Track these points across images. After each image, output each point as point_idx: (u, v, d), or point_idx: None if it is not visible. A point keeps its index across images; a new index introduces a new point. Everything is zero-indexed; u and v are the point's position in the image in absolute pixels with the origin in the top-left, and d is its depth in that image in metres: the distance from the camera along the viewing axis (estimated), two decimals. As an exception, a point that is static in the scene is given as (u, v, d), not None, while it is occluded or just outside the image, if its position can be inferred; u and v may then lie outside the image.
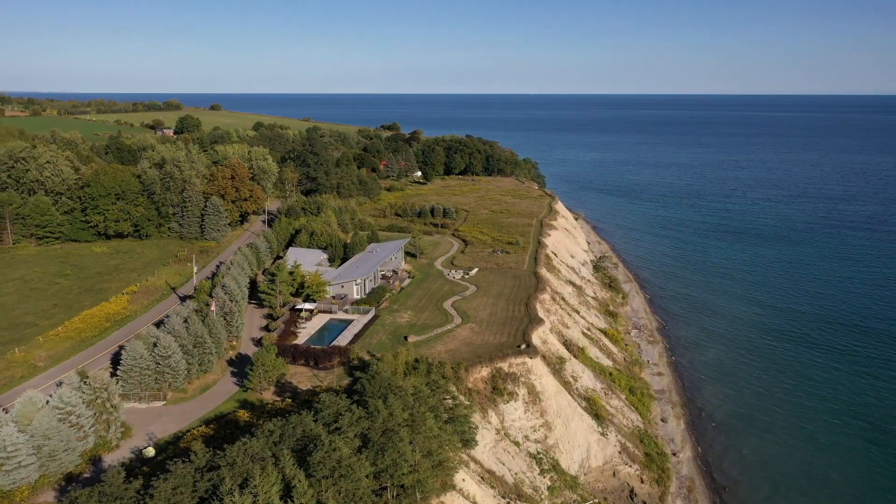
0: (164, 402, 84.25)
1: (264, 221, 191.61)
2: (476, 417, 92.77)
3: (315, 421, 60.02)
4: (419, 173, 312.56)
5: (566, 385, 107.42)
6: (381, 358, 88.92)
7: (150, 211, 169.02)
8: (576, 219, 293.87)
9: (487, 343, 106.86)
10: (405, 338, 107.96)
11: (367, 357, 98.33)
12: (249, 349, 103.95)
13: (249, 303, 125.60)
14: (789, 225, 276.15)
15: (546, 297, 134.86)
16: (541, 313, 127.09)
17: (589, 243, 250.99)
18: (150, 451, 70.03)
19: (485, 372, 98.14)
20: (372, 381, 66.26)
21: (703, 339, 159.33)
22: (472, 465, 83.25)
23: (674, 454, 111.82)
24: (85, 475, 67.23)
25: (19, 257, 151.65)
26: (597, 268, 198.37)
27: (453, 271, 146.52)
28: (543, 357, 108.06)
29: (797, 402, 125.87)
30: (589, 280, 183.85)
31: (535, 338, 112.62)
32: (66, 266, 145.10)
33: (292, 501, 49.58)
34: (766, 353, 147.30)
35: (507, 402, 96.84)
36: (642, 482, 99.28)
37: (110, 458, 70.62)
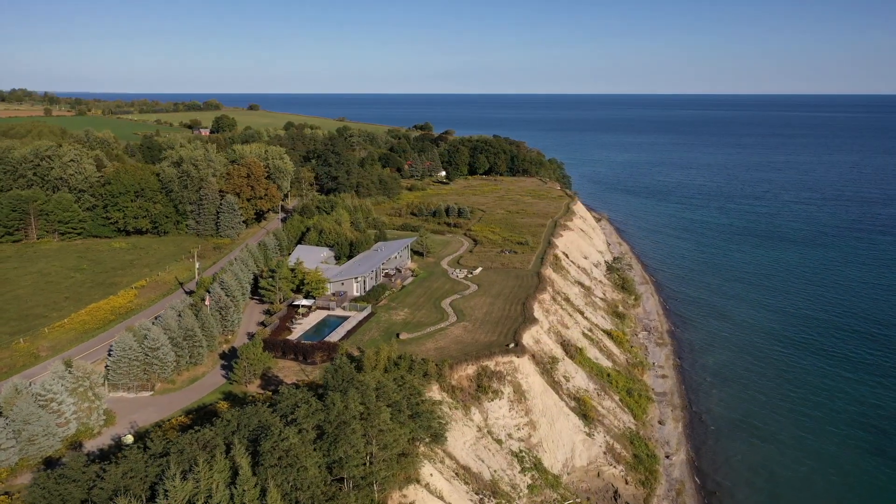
0: (151, 393, 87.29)
1: (282, 219, 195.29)
2: (458, 415, 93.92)
3: (273, 412, 61.83)
4: (443, 173, 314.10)
5: (555, 385, 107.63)
6: (363, 354, 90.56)
7: (168, 208, 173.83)
8: (598, 220, 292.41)
9: (477, 342, 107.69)
10: (397, 335, 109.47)
11: (355, 353, 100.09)
12: (244, 343, 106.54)
13: (252, 299, 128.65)
14: (818, 228, 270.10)
15: (546, 297, 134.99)
16: (539, 313, 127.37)
17: (609, 244, 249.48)
18: (129, 439, 72.75)
19: (470, 370, 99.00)
20: (335, 375, 67.80)
21: (713, 342, 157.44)
22: (446, 461, 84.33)
23: (667, 457, 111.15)
24: (64, 459, 70.25)
25: (41, 251, 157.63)
26: (610, 269, 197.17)
27: (457, 270, 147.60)
28: (533, 356, 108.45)
29: (801, 410, 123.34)
30: (601, 281, 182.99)
31: (528, 337, 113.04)
32: (83, 260, 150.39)
33: (236, 488, 51.40)
34: (776, 359, 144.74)
35: (492, 400, 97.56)
36: (627, 483, 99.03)
37: (91, 445, 73.63)
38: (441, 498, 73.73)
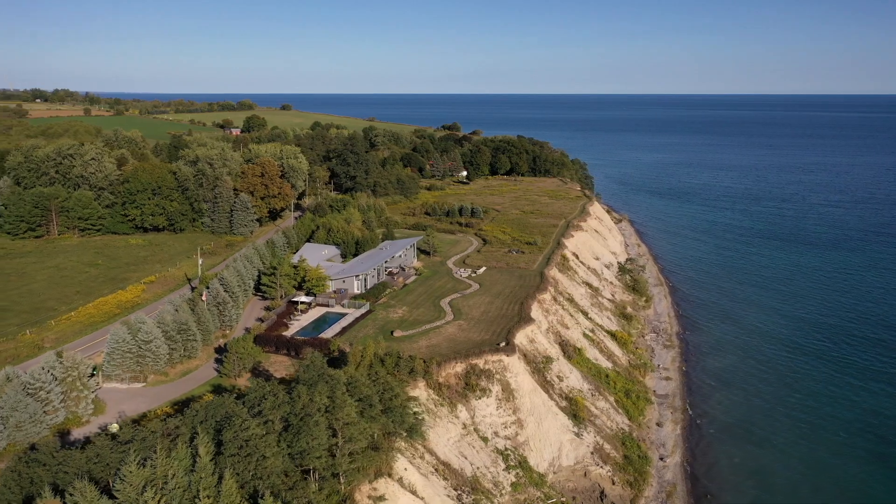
0: (143, 384, 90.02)
1: (297, 218, 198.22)
2: (443, 412, 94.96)
3: (242, 404, 63.64)
4: (464, 173, 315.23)
5: (546, 384, 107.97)
6: (350, 350, 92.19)
7: (184, 206, 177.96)
8: (618, 221, 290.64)
9: (470, 340, 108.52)
10: (392, 332, 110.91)
11: (347, 349, 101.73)
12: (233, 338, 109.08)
13: (255, 295, 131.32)
14: (843, 232, 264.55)
15: (547, 297, 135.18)
16: (538, 313, 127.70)
17: (627, 245, 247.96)
18: (115, 427, 75.27)
19: (459, 368, 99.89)
20: (307, 369, 69.40)
21: (722, 346, 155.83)
22: (426, 456, 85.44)
23: (661, 459, 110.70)
24: (56, 446, 73.05)
25: (60, 247, 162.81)
26: (622, 270, 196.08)
27: (462, 269, 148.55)
28: (524, 355, 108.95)
29: (803, 418, 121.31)
30: (611, 282, 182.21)
31: (523, 337, 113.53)
32: (99, 256, 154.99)
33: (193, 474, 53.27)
34: (783, 366, 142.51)
35: (480, 398, 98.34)
36: (613, 484, 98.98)
37: (78, 432, 76.43)
38: (414, 492, 74.83)
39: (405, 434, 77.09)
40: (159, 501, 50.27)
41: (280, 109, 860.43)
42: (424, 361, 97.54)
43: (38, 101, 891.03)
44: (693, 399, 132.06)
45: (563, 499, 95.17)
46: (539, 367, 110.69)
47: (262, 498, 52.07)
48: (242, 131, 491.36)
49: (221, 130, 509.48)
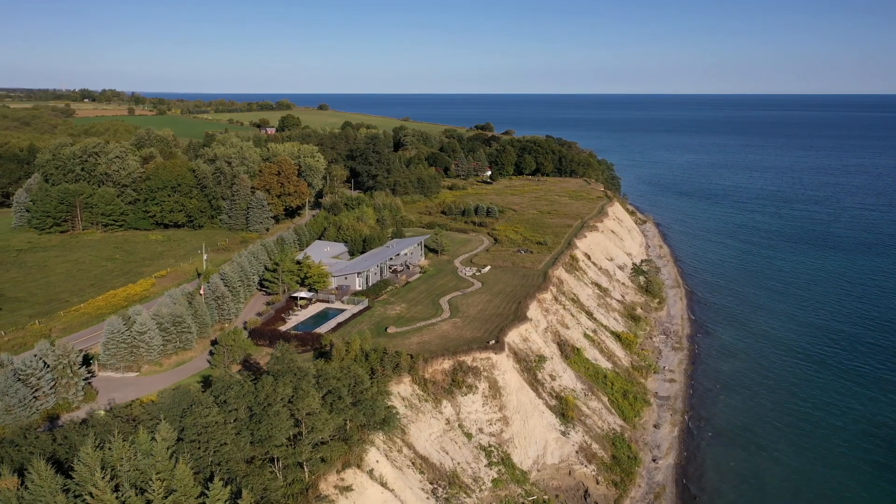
0: (137, 374, 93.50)
1: (314, 216, 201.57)
2: (427, 407, 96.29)
3: (211, 394, 66.04)
4: (489, 173, 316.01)
5: (536, 383, 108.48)
6: (333, 344, 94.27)
7: (203, 203, 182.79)
8: (643, 222, 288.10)
9: (462, 337, 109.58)
10: (386, 329, 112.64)
11: (339, 344, 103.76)
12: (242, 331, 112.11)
13: (260, 290, 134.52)
14: (874, 236, 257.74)
15: (547, 296, 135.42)
16: (536, 312, 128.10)
17: (648, 247, 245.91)
18: (101, 414, 78.41)
19: (446, 364, 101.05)
20: (277, 361, 71.51)
21: (732, 350, 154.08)
22: (404, 450, 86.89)
23: (654, 460, 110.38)
24: (39, 429, 76.64)
25: (83, 242, 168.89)
26: (637, 271, 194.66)
27: (467, 268, 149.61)
28: (515, 354, 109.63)
29: (806, 426, 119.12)
30: (623, 283, 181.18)
31: (516, 335, 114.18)
32: (118, 251, 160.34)
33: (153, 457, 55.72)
34: (792, 372, 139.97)
35: (466, 394, 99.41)
36: (598, 483, 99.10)
37: (67, 417, 79.86)
38: (384, 484, 76.36)
39: (378, 427, 78.54)
40: (111, 481, 52.70)
41: (317, 109, 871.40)
42: (412, 357, 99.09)
43: (86, 101, 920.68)
44: (695, 402, 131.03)
45: (546, 496, 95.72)
46: (530, 365, 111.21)
47: (211, 482, 54.12)
48: (277, 130, 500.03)
49: (258, 130, 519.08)
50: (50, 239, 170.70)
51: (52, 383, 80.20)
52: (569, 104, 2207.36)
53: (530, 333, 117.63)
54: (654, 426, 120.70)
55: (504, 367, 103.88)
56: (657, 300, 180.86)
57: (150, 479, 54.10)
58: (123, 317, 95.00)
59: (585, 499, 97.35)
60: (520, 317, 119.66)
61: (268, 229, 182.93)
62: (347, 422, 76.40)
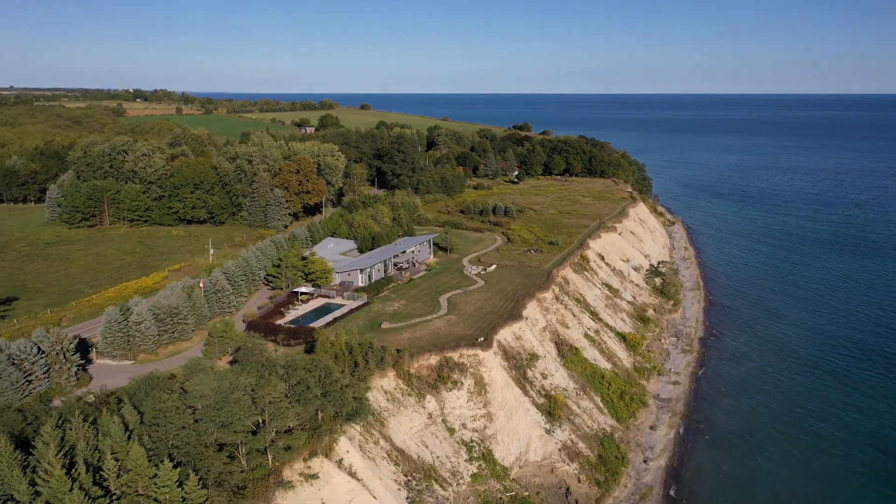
0: (132, 362, 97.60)
1: (333, 213, 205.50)
2: (410, 401, 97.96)
3: (176, 381, 69.09)
4: (516, 173, 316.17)
5: (524, 380, 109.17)
6: (317, 337, 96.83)
7: (224, 200, 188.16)
8: (671, 223, 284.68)
9: (453, 334, 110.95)
10: (380, 324, 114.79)
11: (324, 338, 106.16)
12: (241, 324, 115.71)
13: (267, 285, 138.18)
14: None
15: (548, 295, 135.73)
16: (535, 311, 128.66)
17: (673, 248, 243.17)
18: (90, 398, 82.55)
19: (433, 360, 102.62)
20: (245, 352, 74.19)
21: (745, 354, 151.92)
22: (381, 442, 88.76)
23: (645, 461, 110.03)
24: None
25: (108, 236, 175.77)
26: (655, 273, 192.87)
27: (473, 267, 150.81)
28: (505, 351, 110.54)
29: (806, 436, 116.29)
30: (637, 284, 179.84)
31: (508, 333, 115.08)
32: (139, 245, 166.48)
33: (110, 438, 58.90)
34: (801, 380, 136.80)
35: (451, 390, 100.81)
36: (579, 482, 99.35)
37: (59, 401, 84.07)
38: (353, 474, 78.33)
39: (349, 418, 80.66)
40: (68, 458, 55.95)
41: (359, 109, 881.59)
42: (398, 352, 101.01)
43: (138, 100, 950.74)
44: (697, 405, 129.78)
45: (527, 493, 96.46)
46: (521, 363, 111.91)
47: (161, 463, 56.94)
48: (317, 129, 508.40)
49: (297, 129, 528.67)
50: (78, 233, 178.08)
51: (46, 368, 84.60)
52: (621, 104, 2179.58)
53: (524, 332, 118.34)
54: (651, 428, 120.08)
55: (491, 364, 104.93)
56: (672, 302, 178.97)
57: (104, 458, 57.22)
58: (122, 307, 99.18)
59: (567, 497, 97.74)
60: (514, 315, 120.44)
61: (286, 226, 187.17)
62: (319, 412, 78.72)
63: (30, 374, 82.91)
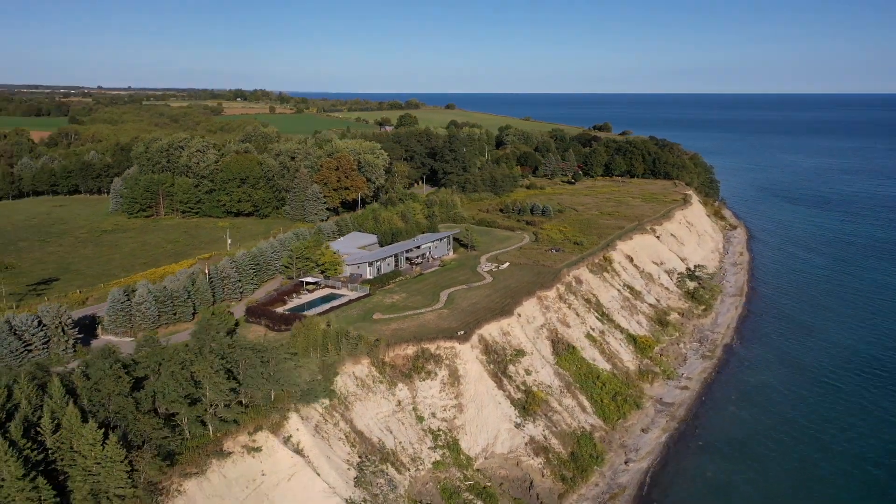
0: (132, 339, 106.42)
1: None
2: (381, 388, 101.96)
3: (129, 356, 76.20)
4: (573, 173, 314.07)
5: (503, 374, 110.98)
6: (298, 325, 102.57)
7: (269, 194, 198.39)
8: (732, 228, 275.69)
9: (439, 327, 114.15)
10: (372, 315, 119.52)
11: (298, 324, 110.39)
12: (243, 309, 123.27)
13: (282, 274, 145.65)
14: None
15: (551, 294, 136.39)
16: (534, 309, 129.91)
17: (726, 253, 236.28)
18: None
19: (410, 350, 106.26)
20: (199, 333, 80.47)
21: (768, 364, 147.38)
22: (341, 424, 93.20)
23: (626, 462, 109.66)
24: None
25: (160, 225, 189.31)
26: (690, 277, 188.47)
27: (487, 264, 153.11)
28: (486, 345, 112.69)
29: (804, 449, 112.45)
30: (666, 287, 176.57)
31: (495, 328, 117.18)
32: (185, 235, 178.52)
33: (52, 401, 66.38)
34: (817, 397, 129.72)
35: (424, 379, 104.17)
36: (543, 476, 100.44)
37: (56, 370, 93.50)
38: (299, 451, 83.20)
39: (300, 399, 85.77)
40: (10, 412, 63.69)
41: (444, 108, 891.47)
42: (376, 341, 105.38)
43: (238, 100, 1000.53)
44: (700, 411, 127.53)
45: (489, 483, 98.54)
46: (503, 358, 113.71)
47: (87, 422, 63.71)
48: (395, 128, 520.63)
49: (379, 127, 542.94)
50: (134, 222, 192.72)
51: (46, 340, 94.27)
52: (713, 104, 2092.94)
53: (512, 328, 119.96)
54: (642, 430, 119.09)
55: (467, 357, 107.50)
56: (703, 307, 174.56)
57: (43, 415, 64.58)
58: (126, 289, 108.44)
59: (530, 490, 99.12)
60: (505, 311, 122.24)
61: (323, 220, 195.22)
62: (272, 392, 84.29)
63: (29, 344, 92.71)
